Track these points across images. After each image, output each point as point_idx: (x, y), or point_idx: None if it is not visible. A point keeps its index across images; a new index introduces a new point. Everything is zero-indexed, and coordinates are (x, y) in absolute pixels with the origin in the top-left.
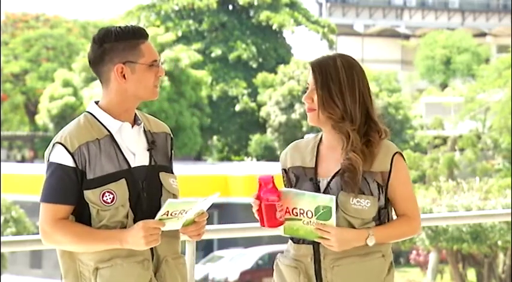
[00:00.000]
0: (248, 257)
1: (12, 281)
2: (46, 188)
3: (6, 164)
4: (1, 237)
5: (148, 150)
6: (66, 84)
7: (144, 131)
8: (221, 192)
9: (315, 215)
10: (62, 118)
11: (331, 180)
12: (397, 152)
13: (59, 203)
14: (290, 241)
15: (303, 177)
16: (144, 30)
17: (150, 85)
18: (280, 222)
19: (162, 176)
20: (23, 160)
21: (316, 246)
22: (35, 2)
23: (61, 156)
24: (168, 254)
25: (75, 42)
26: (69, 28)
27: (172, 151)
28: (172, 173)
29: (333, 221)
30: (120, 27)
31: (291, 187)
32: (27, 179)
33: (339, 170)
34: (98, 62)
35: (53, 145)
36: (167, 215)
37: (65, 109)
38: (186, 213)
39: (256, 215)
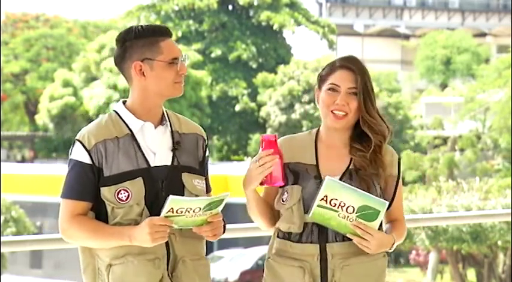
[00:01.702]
0: (248, 257)
1: (12, 281)
2: (65, 184)
3: (6, 164)
4: (1, 237)
5: (172, 150)
6: (66, 84)
7: (172, 131)
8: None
9: (357, 213)
10: (62, 118)
11: (340, 179)
12: (399, 157)
13: (76, 199)
14: (281, 240)
15: (304, 174)
16: (166, 28)
17: (170, 82)
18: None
19: (185, 176)
20: (23, 160)
21: (323, 245)
22: (35, 2)
23: (79, 153)
24: (187, 255)
25: (75, 42)
26: (69, 28)
27: (205, 153)
28: (201, 174)
29: (376, 224)
30: (141, 25)
31: (287, 182)
32: (27, 179)
33: (348, 167)
34: (120, 61)
35: (74, 142)
36: (172, 212)
37: (65, 109)
38: (193, 211)
39: (260, 172)
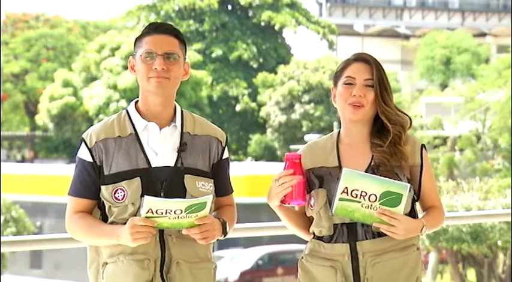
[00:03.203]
0: (248, 257)
1: (12, 281)
2: (71, 181)
3: (6, 164)
4: (1, 237)
5: (177, 151)
6: (66, 84)
7: (182, 132)
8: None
9: (379, 200)
10: (62, 118)
11: None
12: (422, 144)
13: (77, 196)
14: (315, 241)
15: (328, 178)
16: (163, 25)
17: (143, 76)
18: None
19: (187, 178)
20: (23, 160)
21: (352, 244)
22: (35, 2)
23: (82, 151)
24: (183, 257)
25: (75, 42)
26: (69, 28)
27: (222, 155)
28: (208, 176)
29: (400, 208)
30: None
31: (314, 187)
32: (27, 179)
33: (370, 164)
34: None
35: (80, 140)
36: (152, 213)
37: (65, 109)
38: (174, 213)
39: (279, 191)
